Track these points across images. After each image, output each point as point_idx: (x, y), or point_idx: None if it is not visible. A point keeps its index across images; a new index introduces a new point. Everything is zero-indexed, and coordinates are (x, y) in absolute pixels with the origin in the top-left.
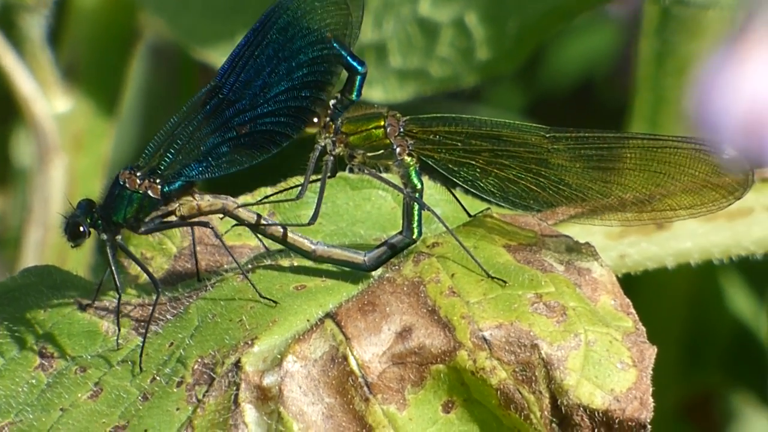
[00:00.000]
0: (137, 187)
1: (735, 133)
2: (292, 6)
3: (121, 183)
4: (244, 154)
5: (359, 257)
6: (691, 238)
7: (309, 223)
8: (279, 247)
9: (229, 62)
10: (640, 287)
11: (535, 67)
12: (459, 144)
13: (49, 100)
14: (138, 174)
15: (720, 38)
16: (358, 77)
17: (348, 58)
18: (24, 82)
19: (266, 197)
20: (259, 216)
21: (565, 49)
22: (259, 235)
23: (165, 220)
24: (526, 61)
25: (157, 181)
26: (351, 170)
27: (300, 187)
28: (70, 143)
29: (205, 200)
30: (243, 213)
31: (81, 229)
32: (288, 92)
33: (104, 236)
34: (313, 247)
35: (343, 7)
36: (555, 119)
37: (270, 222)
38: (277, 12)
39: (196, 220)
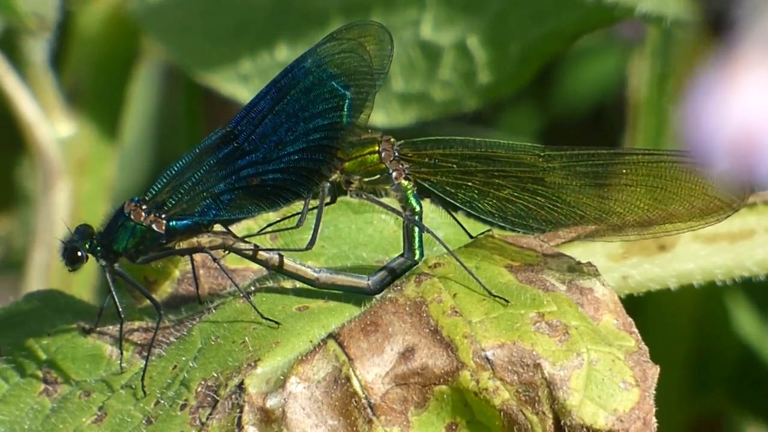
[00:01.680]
0: (142, 220)
1: (725, 153)
2: (318, 68)
3: (126, 214)
4: (252, 204)
5: (363, 282)
6: (693, 259)
7: (306, 249)
8: None
9: (247, 110)
10: (643, 309)
11: (547, 92)
12: (454, 166)
13: (52, 125)
14: (144, 207)
15: (712, 57)
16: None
17: (349, 99)
18: (27, 107)
19: (269, 225)
20: (257, 248)
21: (576, 73)
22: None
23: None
24: (536, 85)
25: (162, 216)
26: (349, 196)
27: (300, 215)
28: (74, 167)
29: (205, 237)
30: (243, 246)
31: (79, 254)
32: (302, 153)
33: (103, 263)
34: (316, 275)
35: (368, 76)
36: (568, 143)
37: (270, 253)
38: (303, 70)
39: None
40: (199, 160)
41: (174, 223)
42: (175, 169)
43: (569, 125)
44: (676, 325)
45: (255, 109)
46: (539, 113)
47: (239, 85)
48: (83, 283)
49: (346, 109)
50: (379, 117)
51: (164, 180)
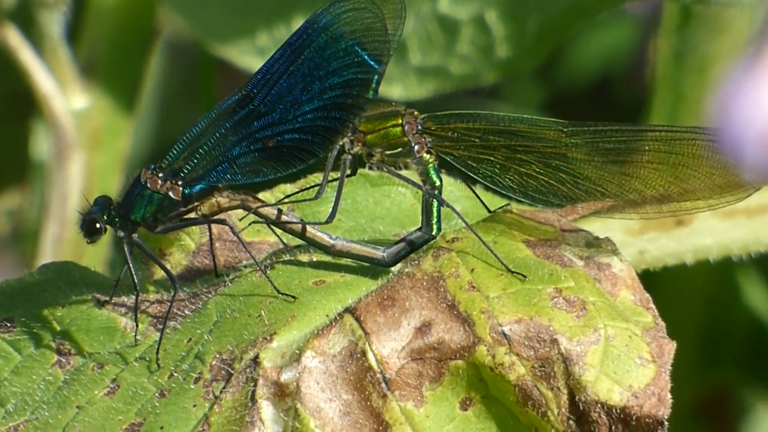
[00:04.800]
0: (158, 187)
1: (755, 145)
2: (331, 26)
3: (143, 182)
4: (268, 166)
5: (378, 253)
6: (710, 234)
7: (326, 221)
8: (298, 243)
9: (262, 73)
10: (659, 284)
11: (554, 64)
12: (477, 140)
13: (67, 97)
14: (160, 175)
15: (742, 44)
16: (375, 76)
17: (364, 56)
18: (42, 79)
19: (286, 196)
20: (279, 211)
21: (583, 46)
22: (278, 231)
23: (183, 217)
24: (545, 59)
25: (179, 183)
26: (370, 168)
27: (319, 186)
28: (88, 140)
29: (225, 197)
30: (263, 209)
31: (97, 225)
32: (318, 111)
33: (121, 233)
34: (332, 242)
35: (381, 32)
36: (573, 116)
37: (289, 218)
38: (316, 30)
39: (213, 217)
40: (215, 124)
41: (189, 190)
42: (191, 134)
43: (575, 98)
44: (689, 301)
45: (270, 70)
46: (546, 85)
47: (256, 57)
48: (95, 257)
49: (364, 65)
50: (396, 90)
51: (180, 146)
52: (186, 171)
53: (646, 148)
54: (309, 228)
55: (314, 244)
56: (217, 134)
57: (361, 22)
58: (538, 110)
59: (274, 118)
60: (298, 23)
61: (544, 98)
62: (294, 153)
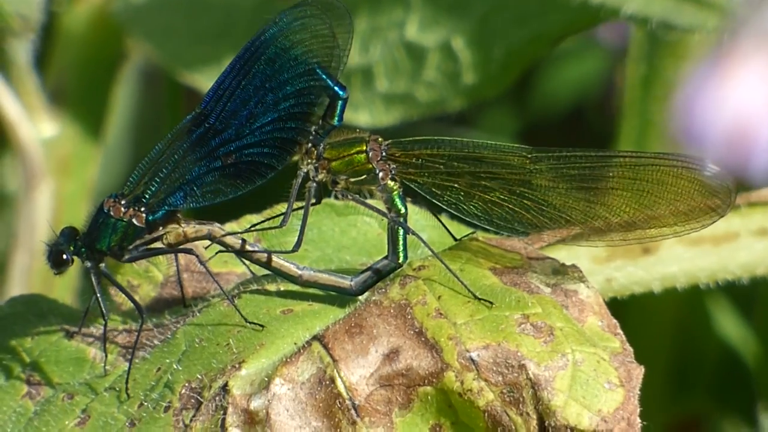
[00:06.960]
0: (122, 215)
1: (719, 146)
2: (280, 37)
3: (106, 211)
4: (228, 185)
5: (346, 282)
6: (677, 262)
7: (293, 250)
8: (266, 273)
9: (214, 90)
10: (627, 312)
11: (526, 93)
12: (441, 167)
13: (35, 125)
14: (123, 202)
15: (704, 54)
16: (340, 102)
17: (329, 82)
18: (10, 107)
19: (252, 225)
20: (244, 242)
21: (555, 75)
22: (247, 262)
23: (149, 247)
24: (516, 87)
25: (142, 209)
26: (335, 196)
27: (284, 215)
28: (57, 168)
29: (191, 227)
30: (229, 239)
31: (64, 257)
32: (274, 123)
33: (88, 264)
34: (299, 272)
35: (329, 38)
36: (546, 145)
37: (255, 248)
38: (265, 42)
39: (180, 247)
40: (173, 147)
41: (153, 216)
42: (150, 159)
43: (548, 127)
44: (658, 328)
45: (222, 86)
46: (518, 114)
47: None
48: (65, 286)
49: (315, 73)
50: (363, 117)
51: (140, 171)
52: (147, 196)
53: (611, 174)
54: (276, 258)
55: (282, 275)
56: (176, 156)
57: (309, 30)
58: (511, 140)
59: (230, 135)
60: None
61: (518, 128)
62: (253, 168)
